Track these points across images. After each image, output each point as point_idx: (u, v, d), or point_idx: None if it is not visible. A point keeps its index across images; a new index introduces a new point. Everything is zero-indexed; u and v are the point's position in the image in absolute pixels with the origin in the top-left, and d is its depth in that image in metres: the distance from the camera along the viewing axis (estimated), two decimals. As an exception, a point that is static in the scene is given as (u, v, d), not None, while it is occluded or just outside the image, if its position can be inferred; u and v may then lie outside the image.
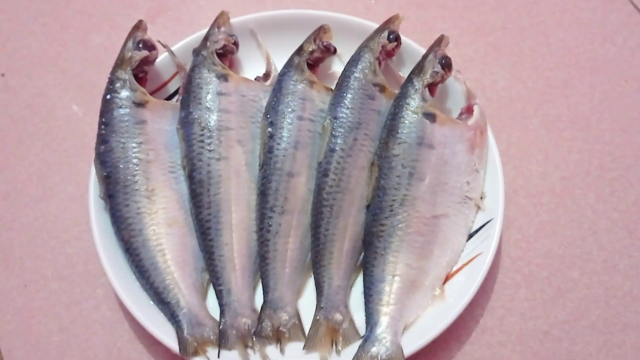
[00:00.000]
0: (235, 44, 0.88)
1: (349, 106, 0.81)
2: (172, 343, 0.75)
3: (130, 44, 0.85)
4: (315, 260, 0.79)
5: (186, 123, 0.82)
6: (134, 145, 0.81)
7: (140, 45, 0.85)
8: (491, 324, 0.82)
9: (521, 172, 0.89)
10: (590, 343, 0.80)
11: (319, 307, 0.77)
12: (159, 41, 0.88)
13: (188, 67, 0.86)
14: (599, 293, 0.83)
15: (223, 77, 0.84)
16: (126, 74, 0.83)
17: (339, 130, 0.80)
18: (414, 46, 0.88)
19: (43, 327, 0.84)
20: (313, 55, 0.86)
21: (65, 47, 1.01)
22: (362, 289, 0.78)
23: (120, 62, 0.84)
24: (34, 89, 0.99)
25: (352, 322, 0.78)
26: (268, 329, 0.76)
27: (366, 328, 0.76)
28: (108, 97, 0.83)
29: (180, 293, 0.78)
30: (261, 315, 0.77)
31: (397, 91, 0.83)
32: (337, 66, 0.91)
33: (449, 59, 0.83)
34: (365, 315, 0.77)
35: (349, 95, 0.82)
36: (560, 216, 0.87)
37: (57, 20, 1.03)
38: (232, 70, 0.87)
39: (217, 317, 0.78)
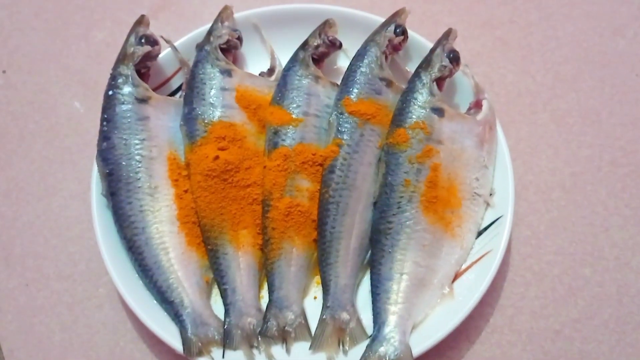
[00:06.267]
0: (239, 38, 0.87)
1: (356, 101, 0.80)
2: (175, 343, 0.74)
3: (132, 40, 0.84)
4: (322, 259, 0.77)
5: (189, 119, 0.81)
6: (137, 141, 0.80)
7: (143, 41, 0.84)
8: (501, 323, 0.80)
9: (531, 168, 0.88)
10: (602, 342, 0.79)
11: (325, 306, 0.76)
12: (161, 36, 0.87)
13: (191, 63, 0.85)
14: (611, 291, 0.81)
15: (227, 73, 0.83)
16: (128, 70, 0.82)
17: (345, 125, 0.79)
18: (420, 40, 0.87)
19: (45, 327, 0.83)
20: (318, 50, 0.85)
21: (66, 43, 1.01)
22: (370, 288, 0.77)
23: (122, 58, 0.83)
24: (36, 85, 0.98)
25: (359, 321, 0.77)
26: (274, 328, 0.75)
27: (374, 327, 0.75)
28: (110, 93, 0.82)
29: (184, 292, 0.76)
30: (266, 315, 0.76)
31: (403, 86, 0.82)
32: (342, 61, 0.90)
33: (457, 52, 0.82)
34: (373, 315, 0.76)
35: (355, 90, 0.81)
36: (571, 213, 0.85)
37: (59, 17, 1.03)
38: (235, 65, 0.86)
39: (222, 317, 0.77)
